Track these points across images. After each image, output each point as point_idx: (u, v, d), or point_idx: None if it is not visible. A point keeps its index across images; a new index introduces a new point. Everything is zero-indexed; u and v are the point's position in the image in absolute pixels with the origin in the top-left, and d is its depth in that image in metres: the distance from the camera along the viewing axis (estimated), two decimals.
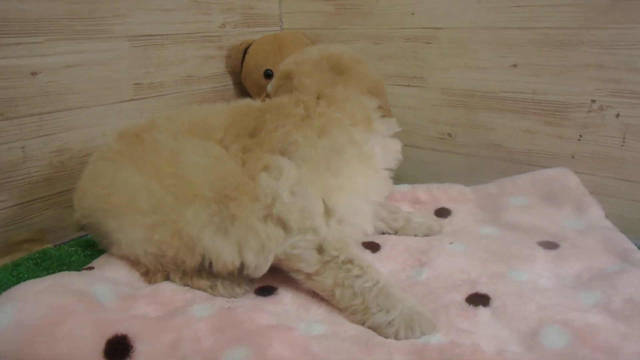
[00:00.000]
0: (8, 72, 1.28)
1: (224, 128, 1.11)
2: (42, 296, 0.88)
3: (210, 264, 1.02)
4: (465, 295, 0.98)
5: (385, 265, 1.13)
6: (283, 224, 1.00)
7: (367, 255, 1.16)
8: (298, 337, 0.84)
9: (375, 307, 0.92)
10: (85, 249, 1.31)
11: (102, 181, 1.10)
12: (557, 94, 1.41)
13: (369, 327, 0.92)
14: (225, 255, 1.00)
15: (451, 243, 1.18)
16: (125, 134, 1.17)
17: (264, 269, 1.01)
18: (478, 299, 0.96)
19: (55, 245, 1.38)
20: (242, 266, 1.01)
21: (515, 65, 1.47)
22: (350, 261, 0.97)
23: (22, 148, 1.33)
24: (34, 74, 1.32)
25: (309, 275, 0.99)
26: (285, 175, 1.00)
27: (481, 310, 0.93)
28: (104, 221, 1.09)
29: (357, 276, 0.95)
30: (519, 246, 1.14)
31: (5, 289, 1.09)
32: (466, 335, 0.87)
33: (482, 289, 0.99)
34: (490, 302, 0.95)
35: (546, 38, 1.40)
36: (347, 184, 1.04)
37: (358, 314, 0.94)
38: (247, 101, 1.21)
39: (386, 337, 0.89)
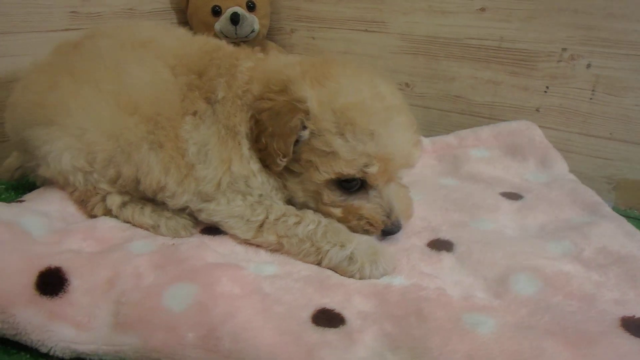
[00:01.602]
0: None
1: (180, 56, 1.05)
2: None
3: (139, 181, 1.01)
4: (427, 241, 0.95)
5: None
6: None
7: None
8: (248, 276, 0.80)
9: (327, 245, 0.89)
10: (11, 190, 1.23)
11: (34, 90, 1.05)
12: (525, 42, 1.38)
13: (328, 267, 0.89)
14: (155, 172, 0.98)
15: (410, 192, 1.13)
16: (63, 45, 1.12)
17: (180, 201, 0.99)
18: (441, 245, 0.94)
19: None
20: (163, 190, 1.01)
21: (483, 9, 1.42)
22: (282, 214, 0.94)
23: None
24: None
25: (248, 240, 0.96)
26: (201, 131, 0.98)
27: (444, 256, 0.91)
28: (34, 133, 1.02)
29: (296, 223, 0.93)
30: (481, 197, 1.11)
31: None
32: (430, 279, 0.84)
33: (444, 235, 0.96)
34: (454, 247, 0.93)
35: None
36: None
37: (311, 256, 0.90)
38: (216, 41, 1.14)
39: (350, 276, 0.86)
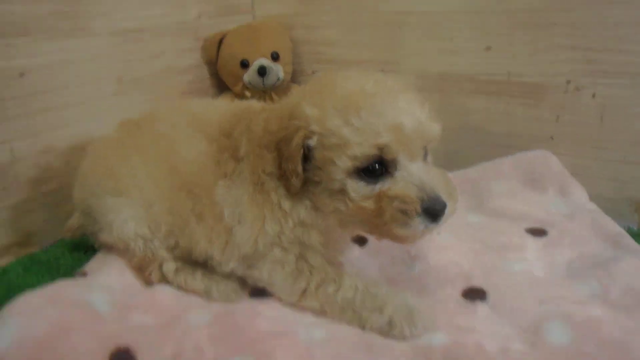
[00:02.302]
0: None
1: (216, 123, 1.03)
2: (42, 311, 0.81)
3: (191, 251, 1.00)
4: (461, 290, 0.92)
5: (374, 260, 1.06)
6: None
7: (355, 249, 1.09)
8: (300, 344, 0.79)
9: (366, 312, 0.86)
10: (73, 251, 1.24)
11: (104, 163, 1.06)
12: (532, 76, 1.35)
13: (371, 331, 0.85)
14: (202, 243, 0.97)
15: (438, 234, 1.09)
16: (126, 123, 1.13)
17: (227, 268, 0.97)
18: (475, 294, 0.91)
19: (42, 248, 1.30)
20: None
21: (488, 48, 1.40)
22: (322, 280, 0.91)
23: (11, 149, 1.24)
24: (21, 74, 1.23)
25: (294, 304, 0.93)
26: (232, 192, 0.94)
27: (479, 306, 0.88)
28: (101, 202, 1.03)
29: (336, 291, 0.89)
30: (508, 235, 1.08)
31: None
32: (468, 333, 0.81)
33: (477, 282, 0.93)
34: (487, 296, 0.90)
35: (518, 20, 1.33)
36: None
37: (354, 322, 0.87)
38: (247, 103, 1.12)
39: (392, 338, 0.83)
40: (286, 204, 0.89)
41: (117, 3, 1.43)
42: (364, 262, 1.04)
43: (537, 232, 1.08)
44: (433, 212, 0.78)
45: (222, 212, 0.94)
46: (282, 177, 0.87)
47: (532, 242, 1.05)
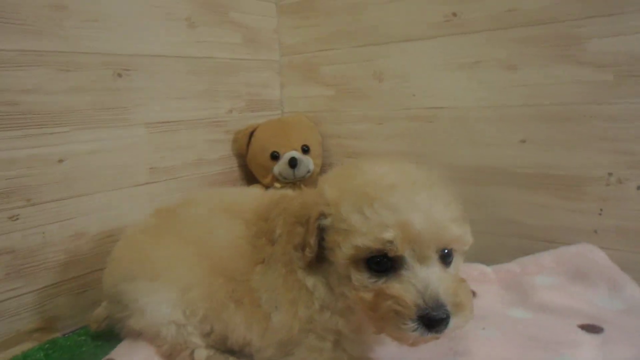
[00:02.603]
0: (36, 160, 1.23)
1: (253, 209, 1.04)
2: None
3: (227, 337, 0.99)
4: None
5: (413, 356, 0.99)
6: None
7: (393, 346, 1.02)
8: None
9: None
10: (95, 339, 1.24)
11: (139, 247, 1.07)
12: (571, 168, 1.34)
13: None
14: (240, 329, 0.96)
15: (483, 329, 1.06)
16: (161, 210, 1.16)
17: (266, 355, 0.95)
18: None
19: (64, 334, 1.30)
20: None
21: (524, 141, 1.41)
22: None
23: (43, 233, 1.26)
24: (60, 161, 1.28)
25: None
26: (268, 277, 0.94)
27: None
28: (134, 285, 1.02)
29: None
30: (560, 331, 1.03)
31: None
32: None
33: None
34: None
35: (553, 114, 1.35)
36: None
37: None
38: (283, 191, 1.14)
39: None
40: (309, 281, 0.88)
41: (154, 97, 1.50)
42: (402, 357, 0.99)
43: (592, 329, 1.02)
44: (430, 321, 0.74)
45: (260, 298, 0.93)
46: (301, 249, 0.86)
47: (588, 339, 0.99)
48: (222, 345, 1.01)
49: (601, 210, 1.31)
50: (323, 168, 1.83)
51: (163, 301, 0.99)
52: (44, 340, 1.25)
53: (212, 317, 0.98)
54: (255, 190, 1.18)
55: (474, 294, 1.22)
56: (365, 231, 0.77)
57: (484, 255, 1.38)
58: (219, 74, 1.71)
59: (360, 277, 0.80)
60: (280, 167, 1.69)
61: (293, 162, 1.66)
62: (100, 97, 1.36)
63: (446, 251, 0.81)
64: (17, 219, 1.21)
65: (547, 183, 1.39)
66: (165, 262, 1.02)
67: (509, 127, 1.43)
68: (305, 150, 1.71)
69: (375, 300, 0.78)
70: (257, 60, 1.86)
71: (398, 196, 0.78)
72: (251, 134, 1.76)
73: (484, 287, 1.26)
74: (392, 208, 0.77)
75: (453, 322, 0.74)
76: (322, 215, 0.83)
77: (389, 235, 0.75)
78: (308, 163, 1.69)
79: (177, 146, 1.59)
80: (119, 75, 1.40)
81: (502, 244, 1.48)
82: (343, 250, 0.80)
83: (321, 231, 0.84)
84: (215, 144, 1.73)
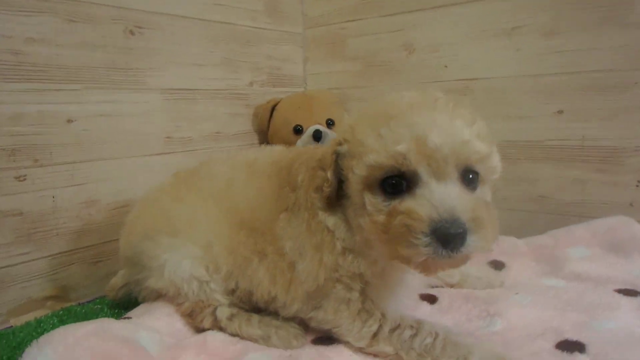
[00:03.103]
0: (46, 117, 1.22)
1: (276, 162, 1.03)
2: (85, 340, 0.78)
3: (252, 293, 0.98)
4: (554, 343, 0.85)
5: (447, 317, 1.01)
6: None
7: (425, 307, 1.04)
8: None
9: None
10: (113, 307, 1.22)
11: (158, 205, 1.07)
12: (609, 139, 1.32)
13: None
14: (265, 283, 0.95)
15: (516, 294, 1.05)
16: (180, 171, 1.15)
17: (292, 310, 0.94)
18: (571, 346, 0.83)
19: (79, 304, 1.28)
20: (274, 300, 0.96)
21: (560, 112, 1.38)
22: (397, 326, 0.86)
23: (53, 197, 1.25)
24: (69, 121, 1.26)
25: (362, 349, 0.88)
26: (292, 223, 0.93)
27: (578, 357, 0.80)
28: (153, 243, 1.01)
29: (412, 336, 0.84)
30: (596, 295, 1.01)
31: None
32: None
33: (571, 336, 0.86)
34: (587, 348, 0.82)
35: (593, 82, 1.33)
36: None
37: None
38: (311, 147, 1.14)
39: None
40: (330, 221, 0.86)
41: (170, 61, 1.49)
42: (435, 319, 0.97)
43: (630, 293, 1.00)
44: (444, 235, 0.69)
45: (284, 247, 0.92)
46: (320, 189, 0.85)
47: (626, 302, 0.97)
48: (247, 304, 1.00)
49: (638, 182, 1.29)
50: None
51: (185, 257, 0.98)
52: (57, 308, 1.25)
53: (237, 273, 0.97)
54: (279, 147, 1.17)
55: (503, 265, 1.20)
56: (377, 148, 0.75)
57: (515, 232, 1.36)
58: (238, 43, 1.70)
59: (375, 201, 0.77)
60: (303, 141, 1.67)
61: (317, 135, 1.63)
62: (111, 55, 1.34)
63: (470, 176, 0.77)
64: (25, 179, 1.20)
65: (583, 156, 1.37)
66: (186, 218, 1.01)
67: (546, 98, 1.41)
68: (330, 124, 1.70)
69: (388, 220, 0.75)
70: (279, 32, 1.85)
71: (416, 113, 0.75)
72: (273, 108, 1.75)
73: (514, 259, 1.24)
74: (408, 125, 0.74)
75: (471, 240, 0.70)
76: (339, 144, 0.82)
77: (402, 147, 0.72)
78: (332, 137, 1.67)
79: (195, 116, 1.58)
80: (131, 32, 1.38)
81: (535, 220, 1.46)
82: (356, 173, 0.78)
83: (338, 165, 0.82)
84: (235, 117, 1.72)
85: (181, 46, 1.51)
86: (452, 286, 1.14)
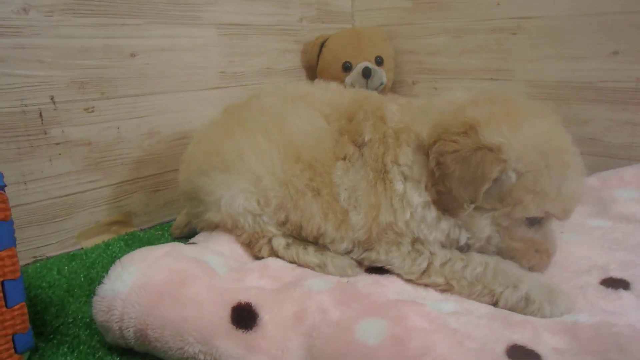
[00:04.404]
0: (111, 51, 1.28)
1: (333, 104, 1.06)
2: (162, 260, 0.86)
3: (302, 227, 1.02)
4: (599, 280, 0.89)
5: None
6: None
7: None
8: (432, 312, 0.77)
9: (499, 287, 0.86)
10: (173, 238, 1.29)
11: (210, 141, 1.10)
12: None
13: (504, 309, 0.84)
14: (316, 218, 0.99)
15: (562, 232, 1.08)
16: (230, 106, 1.18)
17: (340, 247, 0.99)
18: (616, 283, 0.87)
19: (141, 229, 1.37)
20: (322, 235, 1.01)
21: (616, 53, 1.38)
22: (448, 260, 0.91)
23: (118, 128, 1.32)
24: (132, 55, 1.32)
25: (413, 281, 0.94)
26: (350, 175, 0.98)
27: (623, 294, 0.84)
28: (208, 179, 1.06)
29: (464, 267, 0.90)
30: None
31: (101, 266, 1.07)
32: (617, 316, 0.78)
33: (616, 274, 0.90)
34: (631, 286, 0.86)
35: None
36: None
37: (485, 297, 0.87)
38: (367, 91, 1.17)
39: (529, 315, 0.81)
40: (418, 200, 0.91)
41: None
42: None
43: None
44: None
45: (339, 193, 0.97)
46: (444, 194, 0.88)
47: None
48: (298, 236, 1.04)
49: None
50: (394, 86, 1.83)
51: (237, 192, 1.02)
52: (122, 232, 1.35)
53: (288, 205, 1.01)
54: (333, 85, 1.19)
55: None
56: (554, 197, 0.87)
57: None
58: None
59: (522, 231, 0.91)
60: (352, 77, 1.70)
61: (367, 72, 1.66)
62: None
63: None
64: (93, 111, 1.27)
65: (636, 99, 1.37)
66: (236, 153, 1.04)
67: (602, 37, 1.40)
68: (379, 61, 1.72)
69: (526, 249, 0.92)
70: None
71: (571, 165, 0.89)
72: (322, 45, 1.77)
73: None
74: (570, 178, 0.87)
75: None
76: (503, 171, 0.85)
77: (570, 207, 0.90)
78: (382, 75, 1.70)
79: (247, 52, 1.62)
80: None
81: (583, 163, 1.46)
82: (529, 210, 0.87)
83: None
84: (285, 53, 1.75)
85: None
86: None
